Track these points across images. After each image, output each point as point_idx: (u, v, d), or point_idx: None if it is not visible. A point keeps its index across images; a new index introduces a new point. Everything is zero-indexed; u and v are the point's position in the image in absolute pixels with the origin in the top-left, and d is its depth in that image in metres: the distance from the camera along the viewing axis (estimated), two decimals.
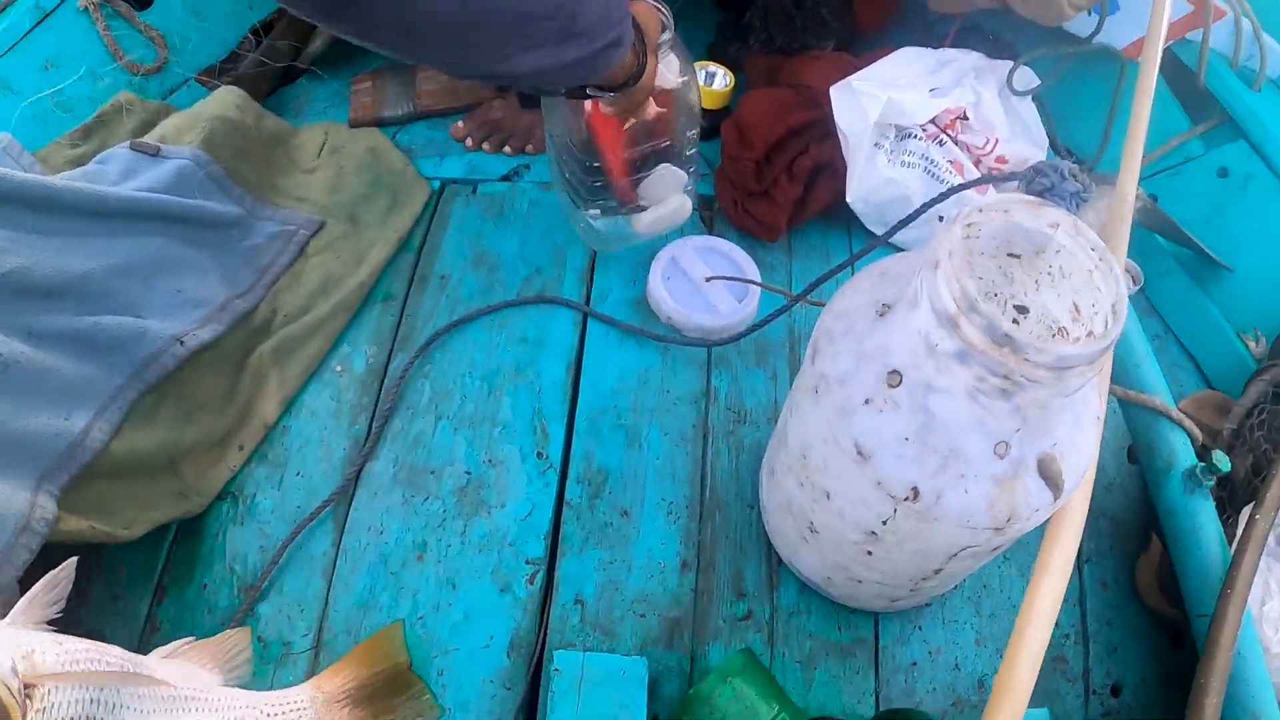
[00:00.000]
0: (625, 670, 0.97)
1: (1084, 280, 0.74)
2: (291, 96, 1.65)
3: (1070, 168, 0.81)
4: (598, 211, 1.28)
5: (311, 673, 1.04)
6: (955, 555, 0.88)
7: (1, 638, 0.79)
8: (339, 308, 1.29)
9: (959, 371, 0.73)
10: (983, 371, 0.72)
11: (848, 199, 1.38)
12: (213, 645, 1.00)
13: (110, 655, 0.86)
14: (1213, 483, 1.03)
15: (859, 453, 0.81)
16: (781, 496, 1.03)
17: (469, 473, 1.17)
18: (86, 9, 1.47)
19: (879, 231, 1.40)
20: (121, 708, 0.85)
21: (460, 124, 1.53)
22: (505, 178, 1.49)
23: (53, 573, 0.86)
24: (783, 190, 1.39)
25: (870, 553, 0.92)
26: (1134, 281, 1.45)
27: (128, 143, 1.31)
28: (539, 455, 1.18)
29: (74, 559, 0.87)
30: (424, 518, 1.14)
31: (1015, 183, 0.86)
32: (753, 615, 1.09)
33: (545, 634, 1.06)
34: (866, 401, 0.81)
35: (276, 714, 0.96)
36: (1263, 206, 1.39)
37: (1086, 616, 1.14)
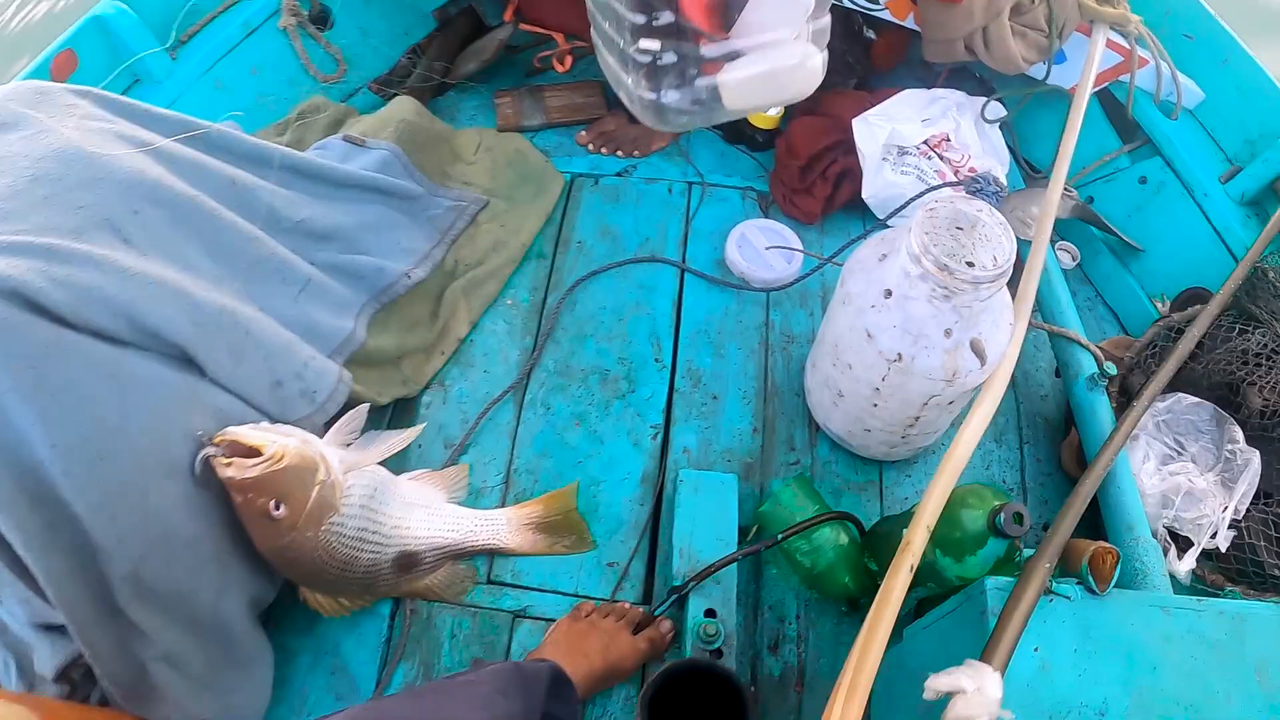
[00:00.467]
0: (722, 481, 1.51)
1: (998, 242, 1.27)
2: (444, 106, 2.15)
3: (994, 178, 1.35)
4: (656, 45, 1.21)
5: (502, 504, 1.55)
6: (926, 404, 1.41)
7: (327, 449, 1.27)
8: (506, 261, 1.81)
9: (921, 287, 1.28)
10: (934, 285, 1.26)
11: (863, 195, 1.90)
12: (441, 475, 1.51)
13: (380, 471, 1.36)
14: (1105, 384, 1.54)
15: (868, 335, 1.36)
16: (820, 377, 1.56)
17: (608, 370, 1.69)
18: (284, 29, 1.96)
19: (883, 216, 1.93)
20: (384, 502, 1.36)
21: (583, 133, 2.06)
22: (619, 174, 2.02)
23: (350, 413, 1.37)
24: (818, 188, 1.93)
25: (875, 405, 1.46)
26: (1072, 259, 1.98)
27: (341, 135, 1.81)
28: (656, 360, 1.71)
29: (365, 405, 1.38)
30: (578, 399, 1.66)
31: (962, 187, 1.40)
32: (799, 463, 1.61)
33: (664, 471, 1.58)
34: (872, 306, 1.35)
35: (484, 524, 1.47)
36: (1171, 206, 1.88)
37: (1026, 480, 1.66)
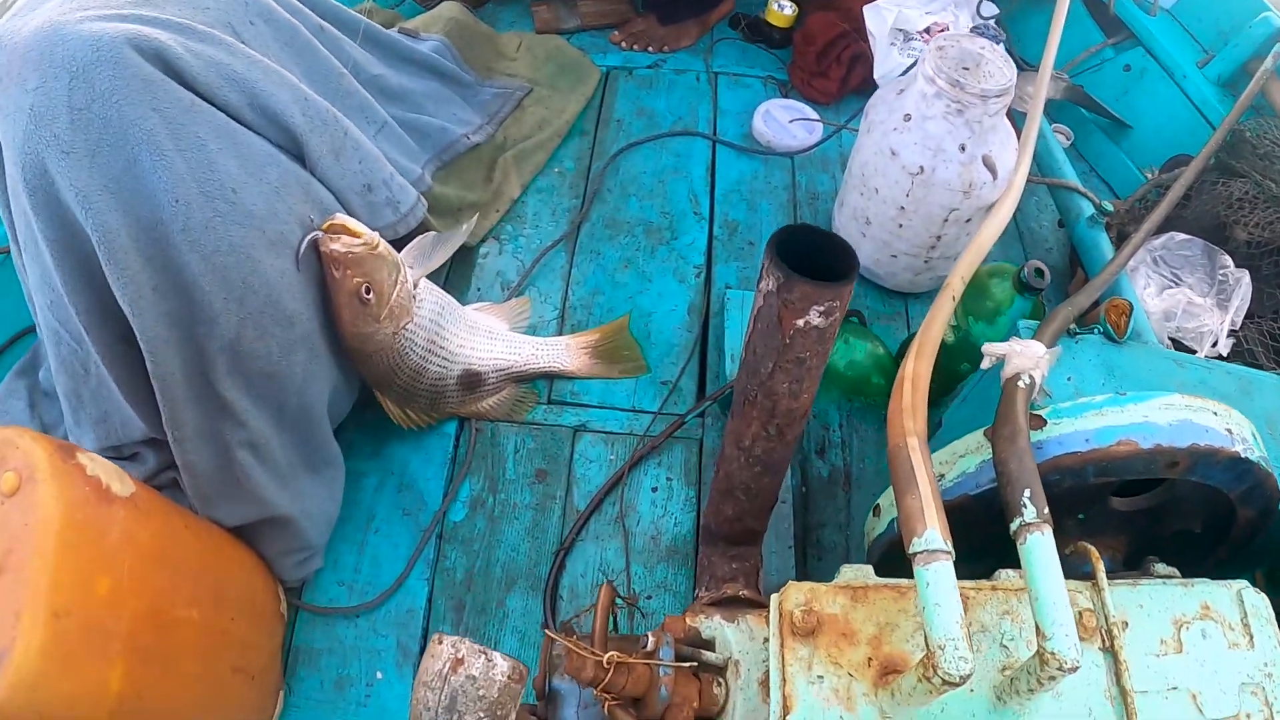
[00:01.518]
0: None
1: (1000, 70, 1.38)
2: (483, 16, 2.17)
3: (993, 27, 1.44)
4: None
5: (559, 334, 1.61)
6: (946, 219, 1.49)
7: (403, 257, 1.32)
8: (552, 135, 1.87)
9: (937, 105, 1.39)
10: (948, 101, 1.37)
11: (875, 76, 1.98)
12: (503, 306, 1.57)
13: (447, 295, 1.42)
14: (1104, 221, 1.62)
15: (892, 153, 1.45)
16: (848, 211, 1.64)
17: (651, 221, 1.76)
18: None
19: None
20: (451, 321, 1.41)
21: (616, 34, 2.13)
22: (651, 66, 2.09)
23: (421, 236, 1.41)
24: (834, 71, 2.01)
25: (901, 226, 1.53)
26: (1066, 139, 2.06)
27: (397, 27, 1.87)
28: (695, 213, 1.78)
29: (433, 232, 1.43)
30: (625, 246, 1.72)
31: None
32: None
33: (709, 302, 1.64)
34: (894, 129, 1.45)
35: (543, 349, 1.53)
36: (1154, 89, 1.97)
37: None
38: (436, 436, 1.47)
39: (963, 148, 1.41)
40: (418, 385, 1.39)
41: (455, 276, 1.66)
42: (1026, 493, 0.75)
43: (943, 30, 2.03)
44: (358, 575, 1.35)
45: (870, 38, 1.98)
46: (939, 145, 1.42)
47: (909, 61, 1.96)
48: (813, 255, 0.78)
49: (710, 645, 0.89)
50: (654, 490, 1.44)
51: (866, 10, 1.96)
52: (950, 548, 0.70)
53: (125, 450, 1.20)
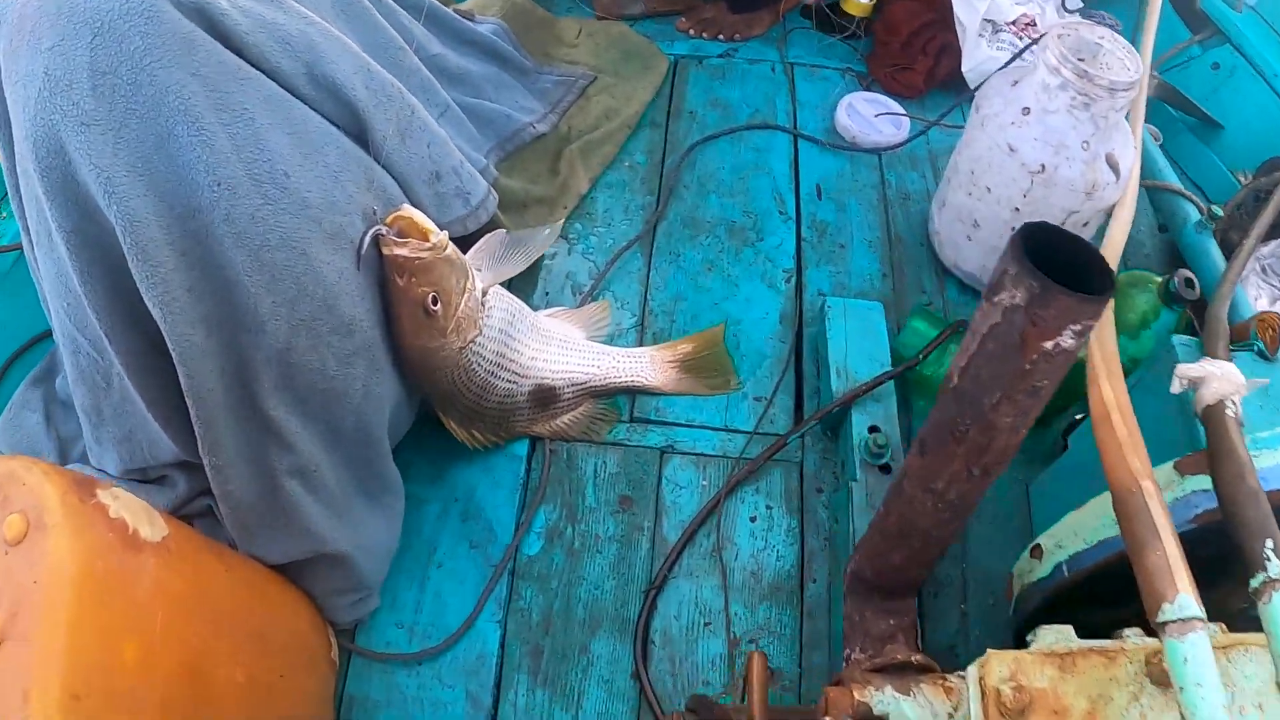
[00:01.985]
0: (869, 308, 1.37)
1: (1123, 59, 1.21)
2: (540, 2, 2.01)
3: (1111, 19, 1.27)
4: None
5: (639, 344, 1.41)
6: (1064, 224, 1.29)
7: (471, 260, 1.14)
8: (620, 126, 1.68)
9: (1061, 97, 1.23)
10: (1074, 94, 1.21)
11: (964, 70, 1.78)
12: (579, 312, 1.37)
13: (518, 301, 1.22)
14: (1212, 226, 1.42)
15: (1010, 149, 1.27)
16: (951, 214, 1.44)
17: (734, 221, 1.56)
18: None
19: None
20: (522, 331, 1.22)
21: (682, 20, 1.93)
22: (722, 55, 1.89)
23: (489, 234, 1.22)
24: (920, 63, 1.81)
25: (1014, 229, 1.32)
26: (1155, 139, 1.86)
27: (451, 7, 1.68)
28: (780, 213, 1.58)
29: (503, 230, 1.24)
30: (707, 248, 1.53)
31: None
32: (932, 304, 1.47)
33: (801, 310, 1.45)
34: (1012, 123, 1.27)
35: (625, 361, 1.33)
36: (1244, 88, 1.79)
37: None
38: (505, 458, 1.28)
39: (1086, 145, 1.24)
40: (484, 403, 1.20)
41: (520, 279, 1.46)
42: (1269, 544, 0.64)
43: (1030, 23, 1.83)
44: (419, 616, 1.15)
45: (959, 27, 1.78)
46: (1061, 141, 1.25)
47: (999, 54, 1.77)
48: (1048, 259, 0.63)
49: None
50: (753, 520, 1.24)
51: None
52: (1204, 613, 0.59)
53: (151, 473, 1.02)
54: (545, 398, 1.27)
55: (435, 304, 1.05)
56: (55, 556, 0.62)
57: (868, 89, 1.84)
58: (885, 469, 1.20)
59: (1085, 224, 1.32)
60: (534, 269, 1.47)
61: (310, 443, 0.99)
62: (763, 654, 0.80)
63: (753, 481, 1.28)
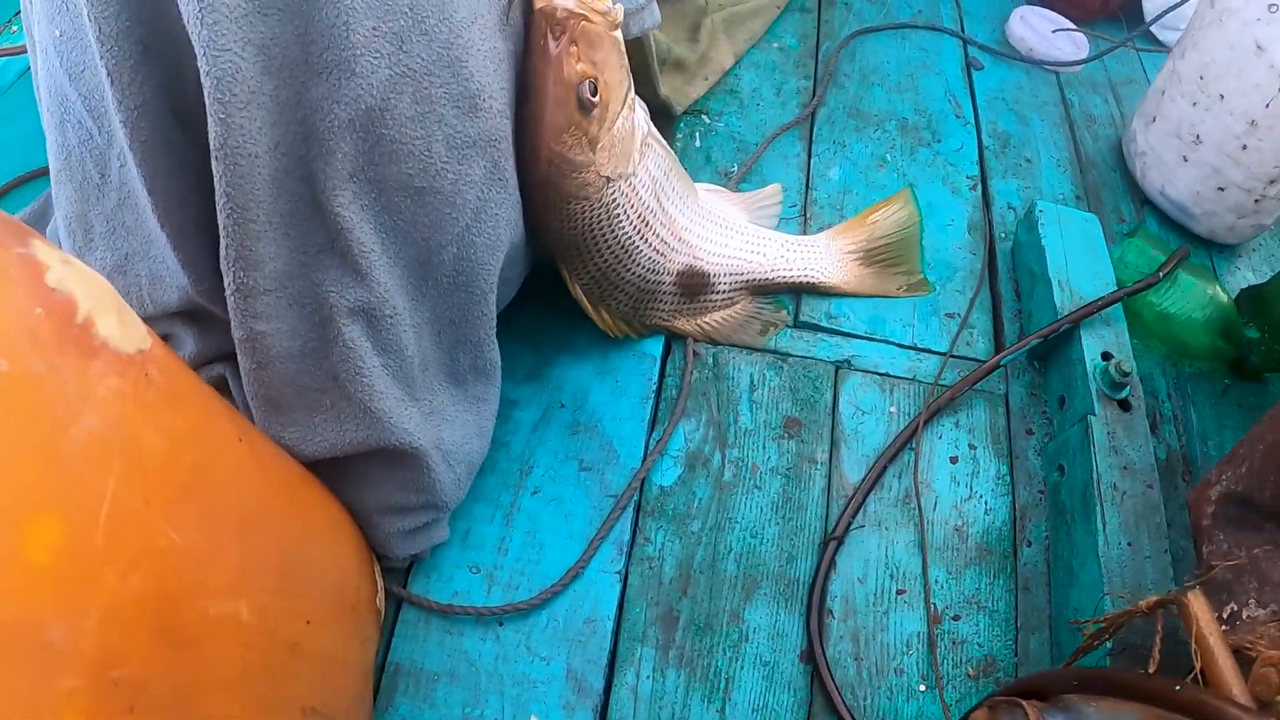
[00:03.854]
0: (1085, 219, 1.02)
1: None
2: None
3: None
4: None
5: (803, 233, 1.07)
6: None
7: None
8: (770, 4, 1.32)
9: None
10: None
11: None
12: (749, 195, 1.02)
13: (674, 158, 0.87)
14: None
15: (1258, 49, 0.96)
16: (1167, 125, 1.10)
17: (906, 118, 1.20)
18: None
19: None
20: (676, 194, 0.87)
21: None
22: None
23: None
24: None
25: (1245, 147, 1.02)
26: None
27: None
28: (957, 116, 1.22)
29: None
30: (876, 142, 1.16)
31: None
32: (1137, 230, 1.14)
33: (991, 222, 1.10)
34: (1258, 19, 0.95)
35: (796, 250, 0.98)
36: None
37: None
38: (633, 356, 0.92)
39: None
40: (623, 270, 0.84)
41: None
42: None
43: None
44: (503, 558, 0.78)
45: None
46: None
47: None
48: None
49: None
50: (953, 461, 0.90)
51: None
52: None
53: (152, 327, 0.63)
54: (696, 284, 0.92)
55: (594, 94, 0.70)
56: None
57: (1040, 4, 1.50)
58: (1125, 405, 0.86)
59: None
60: (670, 132, 1.11)
61: (389, 271, 0.62)
62: (1199, 592, 0.46)
63: (951, 414, 0.93)
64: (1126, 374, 0.85)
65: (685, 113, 1.15)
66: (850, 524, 0.83)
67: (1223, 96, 1.02)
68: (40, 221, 0.83)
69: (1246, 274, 1.12)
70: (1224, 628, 0.59)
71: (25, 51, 0.88)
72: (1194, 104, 1.05)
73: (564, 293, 0.84)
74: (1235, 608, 0.57)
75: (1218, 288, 0.98)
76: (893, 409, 0.91)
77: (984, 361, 0.93)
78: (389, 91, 0.54)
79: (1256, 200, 1.06)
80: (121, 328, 0.36)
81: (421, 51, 0.55)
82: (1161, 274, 0.93)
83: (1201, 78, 1.04)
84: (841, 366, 0.94)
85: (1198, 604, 0.47)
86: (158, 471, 0.38)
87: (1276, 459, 0.60)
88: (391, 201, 0.59)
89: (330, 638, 0.58)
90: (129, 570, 0.35)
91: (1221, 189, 1.07)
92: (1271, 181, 1.04)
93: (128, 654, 0.35)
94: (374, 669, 0.70)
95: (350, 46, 0.51)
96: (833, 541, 0.82)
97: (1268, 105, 0.98)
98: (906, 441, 0.88)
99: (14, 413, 0.30)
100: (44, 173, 0.91)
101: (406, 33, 0.54)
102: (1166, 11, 1.30)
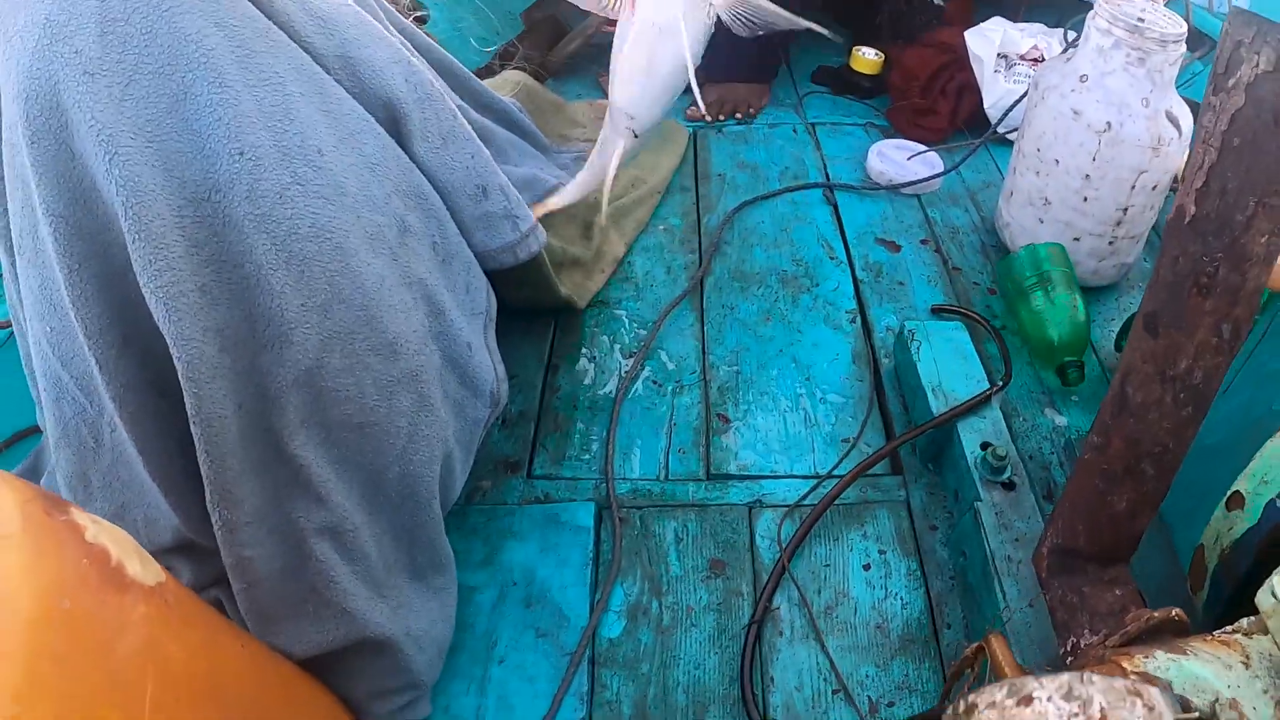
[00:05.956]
0: (954, 328, 1.16)
1: (1169, 20, 1.15)
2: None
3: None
4: None
5: (704, 399, 1.18)
6: (1134, 185, 1.19)
7: None
8: (650, 192, 1.49)
9: (1116, 57, 1.16)
10: (1128, 51, 1.14)
11: (985, 106, 1.65)
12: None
13: None
14: None
15: (1074, 114, 1.19)
16: (1020, 198, 1.32)
17: (785, 270, 1.36)
18: None
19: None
20: None
21: (691, 109, 1.74)
22: (741, 121, 1.74)
23: None
24: (942, 105, 1.67)
25: (1085, 200, 1.22)
26: None
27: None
28: (831, 258, 1.38)
29: None
30: (761, 298, 1.31)
31: None
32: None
33: (874, 348, 1.23)
34: (1073, 90, 1.18)
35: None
36: None
37: None
38: (568, 531, 1.03)
39: (1146, 102, 1.16)
40: None
41: (561, 345, 1.26)
42: None
43: (1038, 58, 1.72)
44: None
45: (975, 63, 1.66)
46: (1122, 100, 1.17)
47: (1015, 87, 1.64)
48: None
49: None
50: (866, 568, 0.99)
51: (969, 35, 1.65)
52: None
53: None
54: None
55: None
56: (6, 582, 0.38)
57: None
58: (1009, 485, 0.96)
59: (1154, 186, 1.21)
60: (574, 334, 1.27)
61: (345, 495, 0.75)
62: (1000, 634, 0.56)
63: (859, 526, 1.03)
64: (1002, 458, 0.96)
65: (588, 305, 1.29)
66: (761, 624, 0.94)
67: (1058, 161, 1.23)
68: (33, 475, 0.95)
69: (1113, 325, 1.27)
70: (1069, 659, 0.67)
71: (7, 326, 1.00)
72: (1037, 174, 1.28)
73: (506, 494, 1.00)
74: (1075, 640, 0.66)
75: (1079, 297, 1.18)
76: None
77: (842, 477, 1.04)
78: (322, 352, 0.69)
79: (1110, 243, 1.27)
80: (143, 566, 0.49)
81: (343, 315, 0.70)
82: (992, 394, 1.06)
83: (1039, 150, 1.26)
84: (754, 506, 1.04)
85: (997, 643, 0.57)
86: (182, 677, 0.51)
87: (1079, 511, 0.70)
88: (339, 438, 0.73)
89: None
90: None
91: (1077, 239, 1.26)
92: (1118, 224, 1.25)
93: None
94: None
95: (285, 321, 0.66)
96: (754, 623, 0.93)
97: (1093, 159, 1.19)
98: (802, 537, 1.00)
99: (79, 638, 0.42)
100: (32, 431, 1.03)
101: (328, 303, 0.69)
102: (1009, 111, 1.48)
